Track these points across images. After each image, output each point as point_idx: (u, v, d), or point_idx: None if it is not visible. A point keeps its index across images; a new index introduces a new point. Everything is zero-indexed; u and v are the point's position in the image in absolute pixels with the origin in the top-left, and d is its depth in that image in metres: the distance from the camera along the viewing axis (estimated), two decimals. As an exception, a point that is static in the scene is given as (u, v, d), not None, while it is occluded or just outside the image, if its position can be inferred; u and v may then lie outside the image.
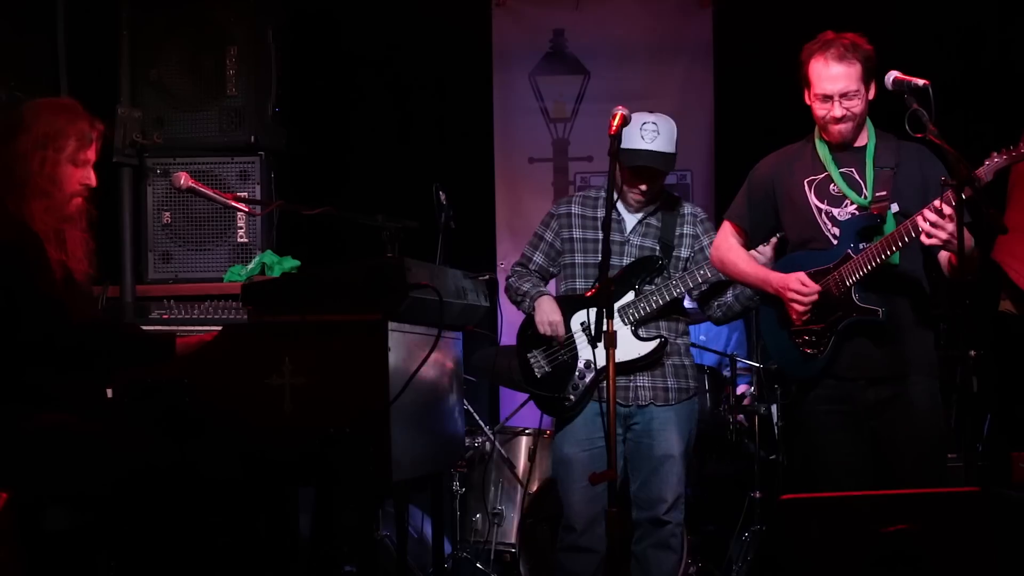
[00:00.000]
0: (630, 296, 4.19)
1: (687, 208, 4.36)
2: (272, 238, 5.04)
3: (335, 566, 4.28)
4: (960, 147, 3.65)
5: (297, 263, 4.83)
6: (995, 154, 3.53)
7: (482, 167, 6.52)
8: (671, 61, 6.57)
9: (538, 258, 4.39)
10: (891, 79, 3.71)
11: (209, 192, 3.76)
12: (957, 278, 3.64)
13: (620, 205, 4.27)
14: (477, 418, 5.30)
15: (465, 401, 4.89)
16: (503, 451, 5.24)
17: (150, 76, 4.99)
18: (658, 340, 4.17)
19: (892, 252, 3.62)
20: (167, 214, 5.02)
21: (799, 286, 3.77)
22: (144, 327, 3.99)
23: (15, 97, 4.62)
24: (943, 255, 3.75)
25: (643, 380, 4.20)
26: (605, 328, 3.33)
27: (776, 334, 3.91)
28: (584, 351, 4.20)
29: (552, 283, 4.47)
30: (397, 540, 4.05)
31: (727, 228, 4.06)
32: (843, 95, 3.74)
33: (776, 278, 3.86)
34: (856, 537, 3.00)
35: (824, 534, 3.03)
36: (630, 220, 4.28)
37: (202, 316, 4.16)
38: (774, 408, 5.43)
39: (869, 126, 3.86)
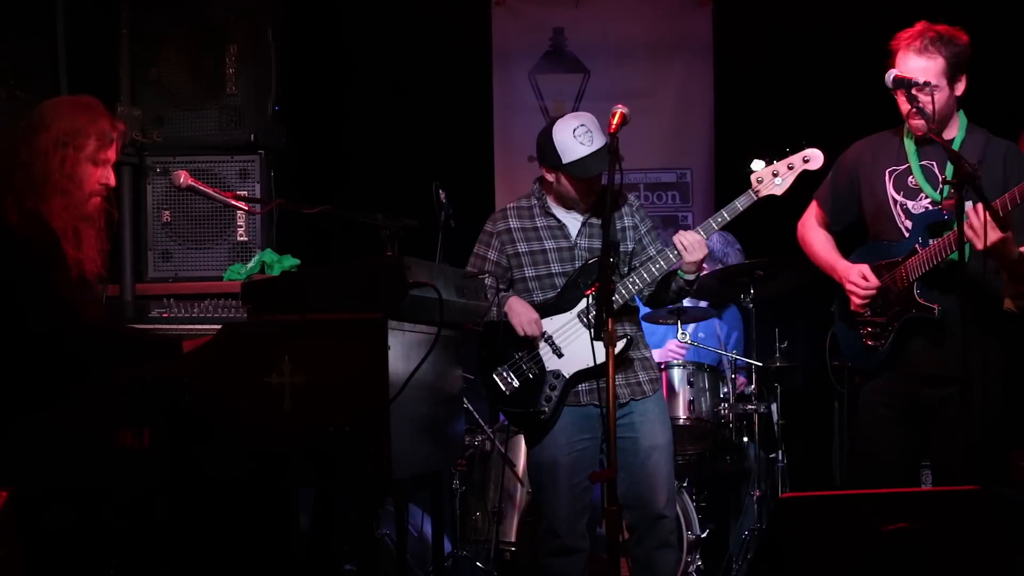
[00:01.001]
0: (585, 301, 4.10)
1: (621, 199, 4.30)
2: (272, 237, 5.04)
3: (335, 564, 4.28)
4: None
5: (297, 262, 4.83)
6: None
7: (482, 166, 6.52)
8: (671, 59, 6.57)
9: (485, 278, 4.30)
10: (891, 77, 3.71)
11: (209, 191, 3.76)
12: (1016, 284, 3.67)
13: (557, 211, 4.22)
14: (477, 417, 5.30)
15: (465, 400, 4.89)
16: (503, 450, 5.24)
17: (150, 75, 4.99)
18: (625, 338, 4.12)
19: (953, 250, 3.55)
20: (167, 213, 5.02)
21: (858, 279, 3.81)
22: (145, 326, 4.00)
23: (15, 96, 4.62)
24: None
25: (617, 379, 4.03)
26: (607, 326, 3.32)
27: (845, 322, 3.94)
28: (550, 362, 4.13)
29: None
30: (397, 538, 4.04)
31: (813, 208, 4.09)
32: (923, 87, 3.70)
33: (842, 267, 3.90)
34: (856, 536, 3.00)
35: (824, 533, 3.03)
36: (573, 224, 4.21)
37: (202, 315, 4.16)
38: (774, 407, 5.44)
39: (961, 119, 3.83)
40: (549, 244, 4.21)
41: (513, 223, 4.27)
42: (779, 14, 6.15)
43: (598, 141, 4.07)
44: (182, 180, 3.68)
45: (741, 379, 5.60)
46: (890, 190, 3.83)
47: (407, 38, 6.46)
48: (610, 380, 3.31)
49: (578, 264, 4.17)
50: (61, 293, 3.23)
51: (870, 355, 3.84)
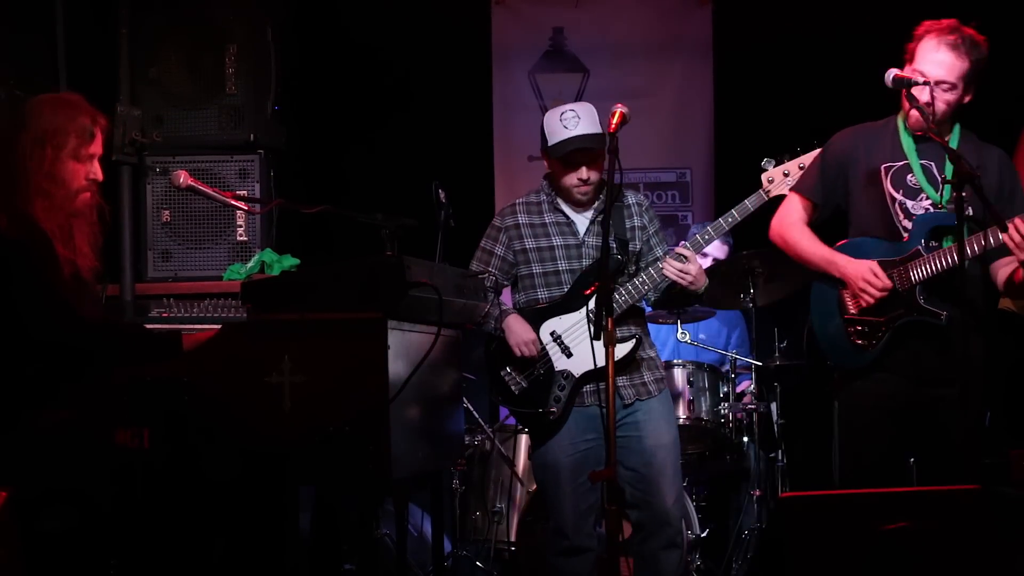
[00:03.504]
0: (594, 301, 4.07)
1: (631, 198, 4.27)
2: (271, 236, 5.04)
3: (335, 564, 4.28)
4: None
5: (296, 261, 4.83)
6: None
7: (481, 165, 6.52)
8: (670, 59, 6.57)
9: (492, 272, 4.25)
10: (891, 76, 3.70)
11: (208, 190, 3.76)
12: (1014, 295, 3.63)
13: (566, 208, 4.20)
14: (477, 416, 5.30)
15: (465, 399, 4.89)
16: (503, 449, 5.24)
17: (149, 74, 4.98)
18: (634, 339, 4.10)
19: (966, 257, 3.51)
20: (166, 212, 5.02)
21: (872, 277, 3.71)
22: (145, 326, 3.99)
23: (15, 96, 4.62)
24: (1005, 270, 3.73)
25: (622, 380, 4.12)
26: (606, 326, 3.32)
27: (827, 319, 3.84)
28: (559, 361, 4.12)
29: (506, 293, 4.35)
30: (397, 538, 4.05)
31: (795, 202, 3.95)
32: (939, 82, 3.67)
33: (847, 264, 3.78)
34: (856, 535, 3.00)
35: (824, 532, 3.03)
36: (581, 221, 4.19)
37: (201, 314, 4.15)
38: (774, 406, 5.43)
39: (956, 125, 3.81)
40: (557, 240, 4.19)
41: (521, 218, 4.25)
42: (779, 14, 6.15)
43: (585, 126, 4.06)
44: (182, 180, 3.68)
45: (745, 382, 5.59)
46: (888, 187, 3.78)
47: (407, 37, 6.46)
48: (610, 379, 3.31)
49: (586, 262, 4.15)
50: (58, 292, 3.22)
51: (857, 354, 3.78)
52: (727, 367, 5.46)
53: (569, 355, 4.11)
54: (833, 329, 3.83)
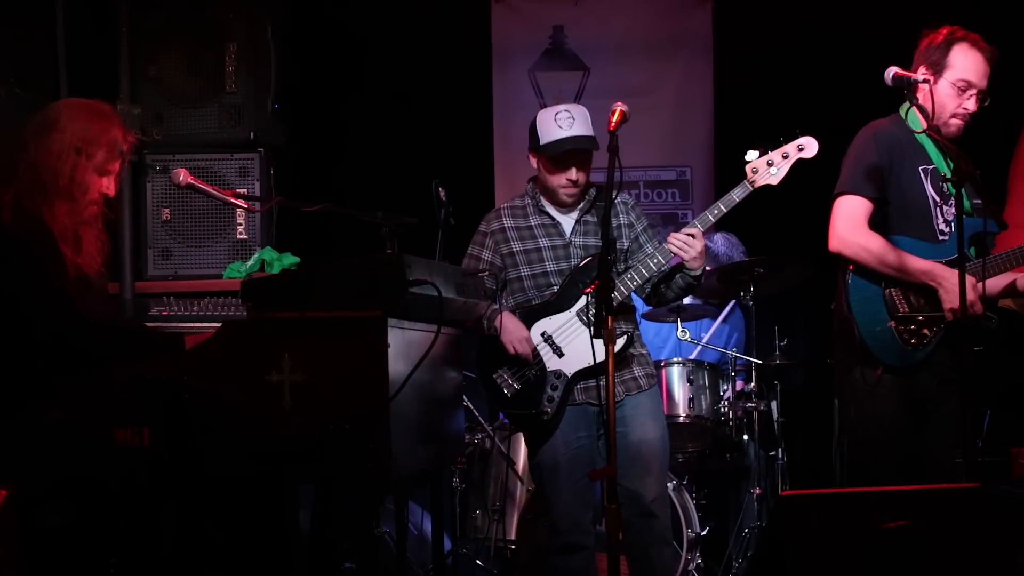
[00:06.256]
0: (584, 299, 4.08)
1: (617, 198, 4.21)
2: (271, 234, 5.04)
3: (335, 563, 4.28)
4: (959, 141, 3.65)
5: (296, 259, 4.83)
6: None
7: (482, 163, 6.52)
8: (671, 57, 6.57)
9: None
10: (891, 75, 3.70)
11: (208, 189, 3.76)
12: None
13: (551, 209, 4.22)
14: (477, 414, 5.30)
15: (465, 397, 4.89)
16: (503, 447, 5.24)
17: (149, 73, 4.99)
18: (625, 337, 4.10)
19: (1013, 266, 3.57)
20: (166, 211, 5.02)
21: (972, 290, 3.60)
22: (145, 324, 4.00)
23: (15, 94, 4.62)
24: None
25: None
26: (606, 324, 3.32)
27: (874, 320, 3.79)
28: (551, 362, 4.11)
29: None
30: (397, 536, 4.05)
31: (854, 205, 3.80)
32: (979, 92, 3.69)
33: (941, 271, 3.70)
34: (857, 533, 3.00)
35: (825, 530, 3.03)
36: (567, 222, 4.21)
37: (201, 313, 4.16)
38: (774, 405, 5.44)
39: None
40: (544, 242, 4.20)
41: (507, 222, 4.26)
42: (779, 12, 6.15)
43: (579, 128, 4.07)
44: (182, 178, 3.68)
45: (739, 382, 5.60)
46: (930, 190, 3.77)
47: (407, 36, 6.46)
48: (610, 378, 3.31)
49: (574, 262, 4.16)
50: (59, 289, 3.22)
51: (907, 353, 3.76)
52: (727, 365, 5.46)
53: (560, 355, 4.11)
54: (882, 329, 3.79)
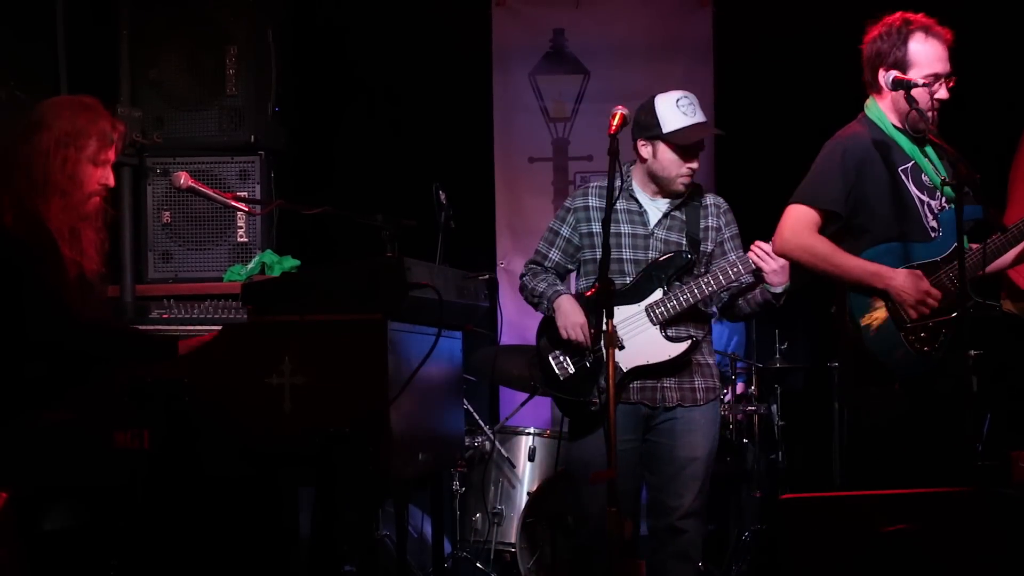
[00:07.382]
0: (658, 294, 3.96)
1: (709, 199, 4.13)
2: (272, 237, 5.04)
3: (335, 565, 4.28)
4: (959, 144, 3.65)
5: (297, 262, 4.83)
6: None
7: (482, 166, 6.51)
8: (671, 60, 6.56)
9: (554, 255, 4.15)
10: (890, 78, 3.70)
11: (209, 192, 3.76)
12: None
13: (642, 196, 4.07)
14: (477, 418, 5.30)
15: (465, 401, 4.89)
16: (503, 451, 5.24)
17: (150, 76, 5.00)
18: (689, 341, 3.97)
19: (968, 255, 3.49)
20: (167, 214, 5.03)
21: (928, 287, 3.59)
22: (144, 327, 4.00)
23: (15, 97, 4.62)
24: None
25: (670, 382, 3.99)
26: (605, 328, 3.30)
27: (885, 333, 3.68)
28: None
29: (571, 279, 4.27)
30: (397, 539, 4.05)
31: (805, 214, 3.74)
32: (948, 76, 3.63)
33: (889, 273, 3.63)
34: (856, 537, 3.00)
35: (824, 534, 3.03)
36: (653, 213, 4.06)
37: (202, 316, 4.16)
38: (774, 408, 5.44)
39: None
40: (625, 228, 4.05)
41: (593, 201, 4.13)
42: (779, 15, 6.14)
43: (700, 115, 3.99)
44: (182, 181, 3.68)
45: (741, 385, 5.60)
46: (912, 189, 3.71)
47: (407, 39, 6.45)
48: (610, 378, 3.29)
49: (652, 254, 4.03)
50: (59, 292, 3.23)
51: (920, 360, 3.65)
52: (727, 368, 5.46)
53: (621, 347, 3.93)
54: (892, 341, 3.68)
